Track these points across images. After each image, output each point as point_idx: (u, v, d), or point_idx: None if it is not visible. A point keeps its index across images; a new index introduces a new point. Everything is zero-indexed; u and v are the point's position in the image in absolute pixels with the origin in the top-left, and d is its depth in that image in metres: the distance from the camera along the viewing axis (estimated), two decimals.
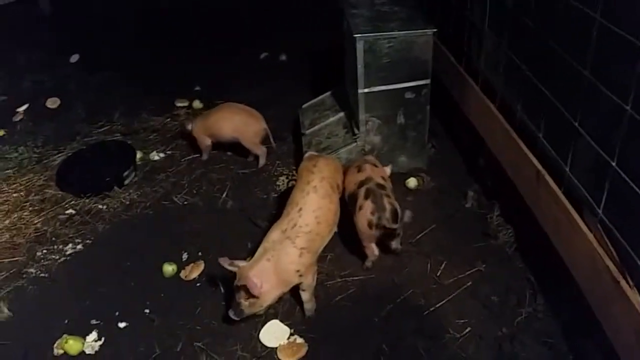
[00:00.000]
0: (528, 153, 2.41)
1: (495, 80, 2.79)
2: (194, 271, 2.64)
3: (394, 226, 2.40)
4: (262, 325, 2.32)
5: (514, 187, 2.56)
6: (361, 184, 2.52)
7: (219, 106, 3.54)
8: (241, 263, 2.20)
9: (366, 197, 2.44)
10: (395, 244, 2.56)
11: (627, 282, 1.74)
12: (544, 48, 2.22)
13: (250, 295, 2.12)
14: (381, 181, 2.55)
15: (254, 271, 2.13)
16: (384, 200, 2.42)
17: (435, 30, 2.85)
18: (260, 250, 2.24)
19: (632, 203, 1.70)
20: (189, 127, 3.47)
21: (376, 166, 2.70)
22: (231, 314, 2.22)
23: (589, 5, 1.84)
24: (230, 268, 2.19)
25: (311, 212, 2.30)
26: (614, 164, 1.81)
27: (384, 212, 2.38)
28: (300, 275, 2.23)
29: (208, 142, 3.46)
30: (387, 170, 2.76)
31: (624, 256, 1.79)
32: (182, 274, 2.63)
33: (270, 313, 2.38)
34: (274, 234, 2.26)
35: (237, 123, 3.34)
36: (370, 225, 2.40)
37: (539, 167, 2.32)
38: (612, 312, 1.81)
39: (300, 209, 2.30)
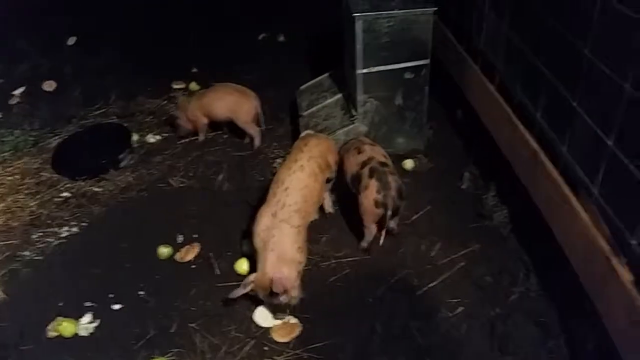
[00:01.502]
0: (525, 133, 2.39)
1: (495, 61, 2.75)
2: (189, 253, 2.64)
3: (400, 204, 2.40)
4: (257, 306, 2.32)
5: (510, 167, 2.54)
6: (364, 164, 2.51)
7: (213, 86, 3.54)
8: (250, 277, 2.17)
9: (371, 176, 2.43)
10: (393, 223, 2.55)
11: (620, 262, 1.73)
12: (544, 28, 2.18)
13: (284, 291, 2.12)
14: (383, 159, 2.54)
15: (269, 272, 2.11)
16: (389, 177, 2.41)
17: (435, 9, 2.80)
18: (258, 244, 2.21)
19: (628, 183, 1.68)
20: (177, 113, 3.48)
21: (374, 145, 2.68)
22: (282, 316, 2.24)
23: None
24: (247, 289, 2.16)
25: (298, 190, 2.29)
26: (610, 143, 1.78)
27: (390, 189, 2.38)
28: (301, 251, 2.22)
29: (205, 120, 3.45)
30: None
31: (618, 236, 1.77)
32: (177, 256, 2.63)
33: None
34: (265, 221, 2.23)
35: (230, 103, 3.35)
36: (377, 203, 2.39)
37: (536, 147, 2.29)
38: (604, 292, 1.80)
39: (287, 188, 2.29)
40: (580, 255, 1.96)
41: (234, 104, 3.35)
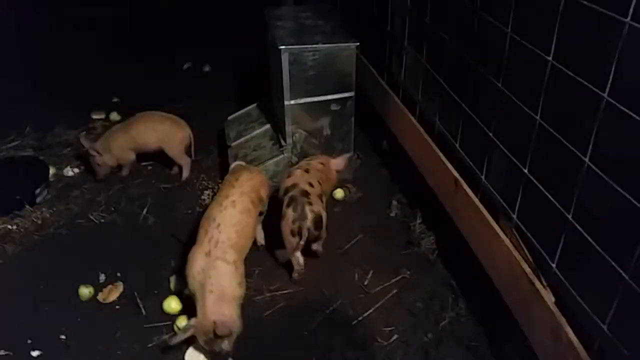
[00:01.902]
0: (446, 162, 2.50)
1: (415, 93, 2.88)
2: (112, 293, 2.51)
3: (316, 233, 2.44)
4: (188, 347, 2.23)
5: (434, 195, 2.64)
6: (286, 190, 2.54)
7: (139, 116, 3.34)
8: (192, 322, 2.06)
9: (288, 205, 2.46)
10: (316, 246, 2.59)
11: (542, 284, 1.83)
12: (459, 62, 2.32)
13: (228, 333, 2.01)
14: (307, 187, 2.55)
15: (212, 314, 2.02)
16: (306, 208, 2.43)
17: (357, 43, 2.91)
18: (195, 286, 2.11)
19: (544, 208, 1.80)
20: (87, 144, 3.18)
21: (308, 172, 2.68)
22: None
23: (501, 20, 1.94)
24: (187, 334, 2.05)
25: (231, 226, 2.24)
26: (526, 171, 1.90)
27: (305, 220, 2.40)
28: (240, 286, 2.16)
29: (133, 156, 3.30)
30: (340, 161, 2.86)
31: (538, 259, 1.88)
32: (100, 297, 2.50)
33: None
34: (199, 262, 2.13)
35: (162, 132, 3.22)
36: (292, 232, 2.42)
37: (457, 175, 2.41)
38: (529, 312, 1.90)
39: (219, 225, 2.22)
40: (504, 278, 2.06)
41: (165, 133, 3.22)
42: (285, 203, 2.48)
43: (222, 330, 1.98)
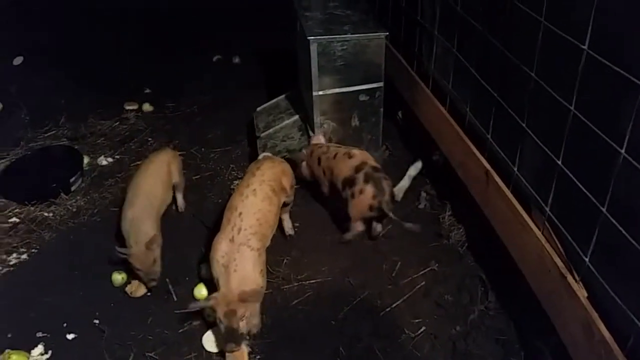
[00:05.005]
0: (477, 153, 2.46)
1: (445, 83, 2.84)
2: (140, 289, 2.53)
3: (392, 206, 2.50)
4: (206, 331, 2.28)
5: (464, 187, 2.61)
6: (357, 169, 2.58)
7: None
8: (213, 295, 2.08)
9: (366, 181, 2.50)
10: (379, 228, 2.66)
11: (574, 278, 1.80)
12: (491, 50, 2.27)
13: (243, 313, 2.03)
14: (375, 164, 2.62)
15: (235, 287, 2.04)
16: (383, 182, 2.49)
17: (387, 33, 2.88)
18: (219, 270, 2.13)
19: (578, 200, 1.76)
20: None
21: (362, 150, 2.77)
22: (231, 346, 2.05)
23: (535, 9, 1.89)
24: (208, 304, 2.08)
25: (252, 214, 2.26)
26: (559, 162, 1.86)
27: (384, 195, 2.47)
28: (262, 275, 2.18)
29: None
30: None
31: (571, 252, 1.85)
32: (128, 289, 2.54)
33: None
34: (223, 247, 2.16)
35: None
36: (371, 208, 2.48)
37: (488, 167, 2.37)
38: (559, 307, 1.86)
39: (241, 213, 2.25)
40: (535, 272, 2.03)
41: None
42: (361, 180, 2.52)
43: (252, 296, 2.02)
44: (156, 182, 2.71)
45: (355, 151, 2.71)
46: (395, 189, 2.83)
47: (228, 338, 2.05)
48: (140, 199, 2.57)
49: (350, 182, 2.57)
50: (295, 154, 3.13)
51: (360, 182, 2.52)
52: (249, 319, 2.11)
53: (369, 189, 2.49)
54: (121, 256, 2.43)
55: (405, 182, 3.12)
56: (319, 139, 3.00)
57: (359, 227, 2.60)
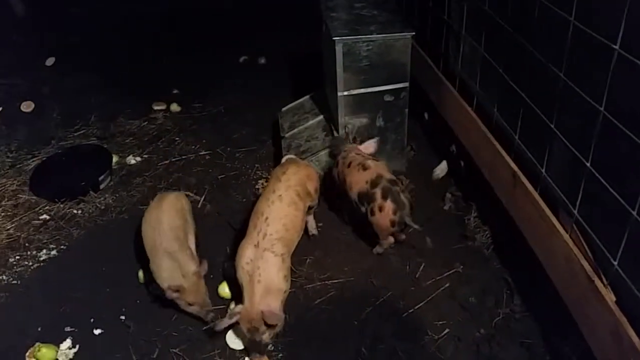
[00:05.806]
0: (504, 155, 2.43)
1: (472, 83, 2.81)
2: None
3: (411, 219, 2.46)
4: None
5: (490, 188, 2.58)
6: (374, 183, 2.49)
7: None
8: (237, 309, 2.10)
9: (384, 198, 2.44)
10: (403, 235, 2.64)
11: (602, 282, 1.76)
12: (520, 50, 2.24)
13: (269, 325, 2.05)
14: (389, 176, 2.53)
15: (260, 304, 2.05)
16: (401, 196, 2.45)
17: (413, 33, 2.86)
18: (244, 277, 2.15)
19: (607, 203, 1.72)
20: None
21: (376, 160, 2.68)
22: (256, 356, 2.12)
23: (564, 8, 1.86)
24: (233, 320, 2.09)
25: (278, 219, 2.27)
26: (588, 164, 1.83)
27: (405, 209, 2.44)
28: (286, 280, 2.19)
29: None
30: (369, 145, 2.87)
31: (599, 256, 1.81)
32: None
33: None
34: (248, 253, 2.18)
35: None
36: (393, 223, 2.45)
37: (515, 168, 2.34)
38: (587, 311, 1.83)
39: (267, 218, 2.26)
40: (562, 275, 2.00)
41: None
42: (379, 196, 2.45)
43: (272, 320, 2.02)
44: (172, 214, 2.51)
45: (370, 163, 2.61)
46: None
47: (252, 348, 2.12)
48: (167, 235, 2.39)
49: (367, 198, 2.50)
50: (337, 139, 3.03)
51: (379, 199, 2.45)
52: (271, 332, 2.11)
53: (389, 205, 2.43)
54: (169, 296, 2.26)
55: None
56: (367, 147, 2.87)
57: (388, 241, 2.58)
